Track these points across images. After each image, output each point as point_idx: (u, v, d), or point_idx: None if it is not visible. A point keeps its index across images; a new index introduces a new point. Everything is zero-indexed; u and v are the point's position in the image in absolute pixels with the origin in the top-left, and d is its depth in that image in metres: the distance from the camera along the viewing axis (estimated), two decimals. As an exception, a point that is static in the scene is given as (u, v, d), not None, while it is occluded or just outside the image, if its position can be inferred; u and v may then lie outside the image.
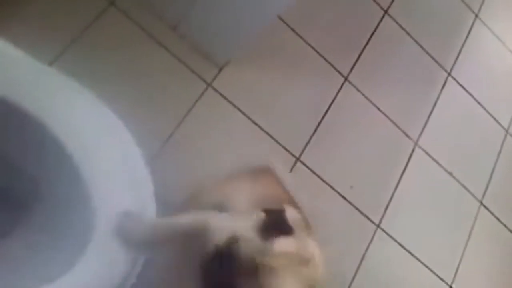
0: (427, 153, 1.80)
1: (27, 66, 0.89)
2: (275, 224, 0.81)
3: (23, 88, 0.86)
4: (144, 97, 1.36)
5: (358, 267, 1.55)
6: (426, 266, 1.69)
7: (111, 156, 0.88)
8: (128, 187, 0.88)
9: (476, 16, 2.12)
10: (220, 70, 1.50)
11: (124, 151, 0.90)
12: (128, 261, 0.84)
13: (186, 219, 0.89)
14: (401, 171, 1.73)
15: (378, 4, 1.87)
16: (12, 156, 0.95)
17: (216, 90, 1.48)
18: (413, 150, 1.78)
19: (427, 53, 1.92)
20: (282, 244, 0.79)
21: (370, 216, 1.63)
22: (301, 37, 1.66)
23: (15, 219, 0.96)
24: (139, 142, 0.98)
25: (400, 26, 1.89)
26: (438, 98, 1.90)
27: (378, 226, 1.64)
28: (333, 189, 1.58)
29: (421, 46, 1.91)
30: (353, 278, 1.55)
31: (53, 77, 0.93)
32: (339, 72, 1.70)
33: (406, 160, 1.75)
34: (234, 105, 1.49)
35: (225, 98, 1.49)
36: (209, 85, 1.47)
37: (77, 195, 0.86)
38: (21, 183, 0.98)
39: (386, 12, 1.87)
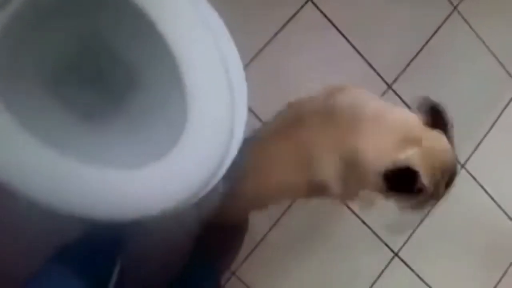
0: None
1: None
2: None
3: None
4: (241, 7, 1.35)
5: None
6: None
7: (209, 50, 0.88)
8: (223, 85, 0.89)
9: None
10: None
11: (223, 49, 0.91)
12: (219, 155, 0.86)
13: None
14: (499, 112, 1.64)
15: None
16: (109, 42, 0.99)
17: (316, 6, 1.44)
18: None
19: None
20: None
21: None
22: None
23: (112, 104, 1.02)
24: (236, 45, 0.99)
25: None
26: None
27: (462, 166, 1.59)
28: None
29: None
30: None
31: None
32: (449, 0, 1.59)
33: (507, 101, 1.65)
34: (332, 22, 1.45)
35: (323, 14, 1.44)
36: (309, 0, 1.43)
37: (171, 85, 0.89)
38: (117, 70, 1.02)
39: None
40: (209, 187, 0.85)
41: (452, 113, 1.55)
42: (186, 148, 0.82)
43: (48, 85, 0.97)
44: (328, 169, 0.99)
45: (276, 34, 1.40)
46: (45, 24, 0.92)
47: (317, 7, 1.44)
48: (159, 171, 0.80)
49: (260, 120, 1.35)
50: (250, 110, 1.33)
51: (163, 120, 0.94)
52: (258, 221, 1.37)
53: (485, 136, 1.62)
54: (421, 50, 1.54)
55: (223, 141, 0.85)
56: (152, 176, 0.79)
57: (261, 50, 1.38)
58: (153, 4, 0.85)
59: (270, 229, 1.40)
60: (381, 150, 0.93)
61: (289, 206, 1.41)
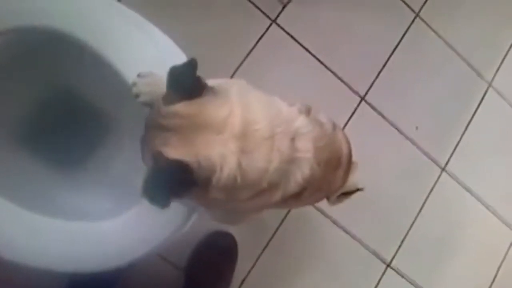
0: (501, 94, 1.71)
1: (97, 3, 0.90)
2: None
3: (91, 25, 0.87)
4: (208, 34, 1.36)
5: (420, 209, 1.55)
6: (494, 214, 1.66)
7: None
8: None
9: None
10: (284, 6, 1.46)
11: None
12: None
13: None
14: (472, 112, 1.66)
15: None
16: (83, 92, 0.99)
17: (280, 27, 1.45)
18: (486, 92, 1.69)
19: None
20: None
21: (436, 159, 1.59)
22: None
23: (90, 148, 1.01)
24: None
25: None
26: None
27: (443, 169, 1.60)
28: (398, 130, 1.55)
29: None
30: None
31: (120, 12, 0.94)
32: (410, 7, 1.61)
33: (478, 101, 1.67)
34: (298, 42, 1.46)
35: (289, 34, 1.46)
36: (273, 21, 1.44)
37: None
38: (92, 119, 1.02)
39: None
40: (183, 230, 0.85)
41: (427, 118, 1.59)
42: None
43: (17, 139, 0.96)
44: None
45: (245, 58, 1.41)
46: (8, 76, 0.91)
47: (282, 28, 1.45)
48: (134, 219, 0.79)
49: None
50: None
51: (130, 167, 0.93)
52: (247, 248, 1.36)
53: (461, 137, 1.63)
54: (388, 59, 1.56)
55: None
56: (127, 224, 0.78)
57: (233, 74, 1.39)
58: (117, 52, 0.85)
59: (259, 255, 1.39)
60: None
61: (277, 229, 1.40)
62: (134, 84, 0.85)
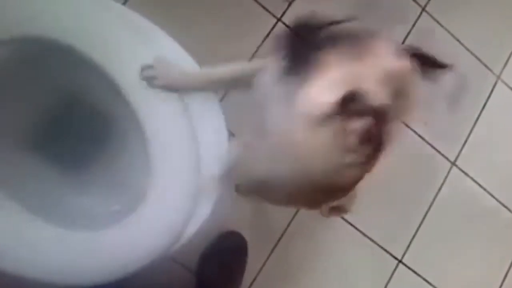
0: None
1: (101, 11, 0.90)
2: None
3: (94, 37, 0.87)
4: (213, 34, 1.35)
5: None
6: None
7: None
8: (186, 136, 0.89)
9: None
10: (290, 4, 1.45)
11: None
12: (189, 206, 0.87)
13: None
14: (481, 106, 1.65)
15: None
16: (88, 97, 0.99)
17: (286, 25, 1.44)
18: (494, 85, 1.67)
19: None
20: None
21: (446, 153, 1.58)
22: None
23: (92, 153, 1.02)
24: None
25: None
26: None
27: (453, 164, 1.59)
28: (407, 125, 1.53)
29: None
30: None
31: (125, 15, 0.94)
32: (416, 1, 1.59)
33: (487, 94, 1.66)
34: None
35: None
36: (279, 19, 1.44)
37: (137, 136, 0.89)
38: (97, 123, 1.02)
39: None
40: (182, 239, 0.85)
41: (436, 114, 1.57)
42: (154, 204, 0.82)
43: (22, 143, 0.96)
44: None
45: (251, 56, 1.40)
46: (16, 82, 0.92)
47: (288, 26, 1.44)
48: (138, 226, 0.79)
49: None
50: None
51: (133, 174, 0.93)
52: (257, 248, 1.36)
53: (471, 131, 1.62)
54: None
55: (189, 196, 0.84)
56: (131, 232, 0.79)
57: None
58: (117, 63, 0.86)
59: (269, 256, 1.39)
60: None
61: (286, 228, 1.40)
62: (152, 67, 0.88)
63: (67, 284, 0.73)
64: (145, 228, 0.81)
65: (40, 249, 0.72)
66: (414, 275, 1.53)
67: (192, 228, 0.87)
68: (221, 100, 1.12)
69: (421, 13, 1.59)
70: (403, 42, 1.55)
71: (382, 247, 1.49)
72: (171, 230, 0.83)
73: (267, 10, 1.43)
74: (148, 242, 0.81)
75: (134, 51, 0.87)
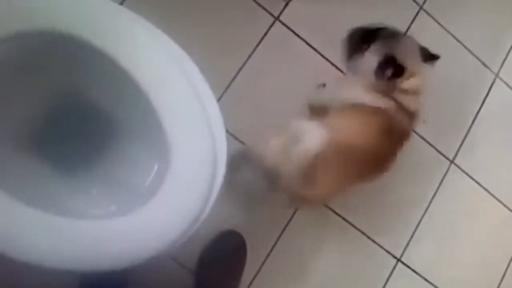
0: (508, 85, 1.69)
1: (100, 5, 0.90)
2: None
3: (95, 27, 0.87)
4: (211, 33, 1.35)
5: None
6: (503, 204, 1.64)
7: (182, 90, 0.89)
8: (200, 121, 0.89)
9: None
10: (287, 3, 1.45)
11: (194, 86, 0.91)
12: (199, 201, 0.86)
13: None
14: (480, 103, 1.65)
15: None
16: (89, 96, 0.99)
17: (283, 24, 1.44)
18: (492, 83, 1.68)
19: None
20: None
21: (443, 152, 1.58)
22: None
23: (95, 155, 1.02)
24: (208, 79, 0.99)
25: None
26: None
27: (452, 162, 1.59)
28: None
29: None
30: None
31: (123, 14, 0.94)
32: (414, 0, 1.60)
33: (486, 91, 1.66)
34: (302, 39, 1.45)
35: (292, 31, 1.45)
36: (276, 18, 1.44)
37: (151, 131, 0.89)
38: (99, 123, 1.02)
39: None
40: (195, 228, 0.85)
41: (435, 111, 1.57)
42: (170, 192, 0.82)
43: (23, 142, 0.96)
44: None
45: (249, 55, 1.40)
46: (17, 80, 0.91)
47: (285, 25, 1.44)
48: (142, 219, 0.79)
49: (242, 142, 1.34)
50: (232, 135, 1.33)
51: (144, 167, 0.93)
52: (256, 247, 1.36)
53: (470, 128, 1.62)
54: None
55: (204, 187, 0.84)
56: (136, 223, 0.78)
57: (237, 72, 1.38)
58: (123, 52, 0.85)
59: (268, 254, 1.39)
60: None
61: (285, 227, 1.40)
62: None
63: (75, 270, 0.74)
64: (164, 211, 0.81)
65: (47, 236, 0.72)
66: (413, 273, 1.53)
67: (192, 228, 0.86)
68: (219, 100, 1.12)
69: (418, 11, 1.59)
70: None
71: (381, 246, 1.49)
72: (191, 211, 0.83)
73: (264, 9, 1.43)
74: (157, 231, 0.81)
75: (139, 43, 0.87)
